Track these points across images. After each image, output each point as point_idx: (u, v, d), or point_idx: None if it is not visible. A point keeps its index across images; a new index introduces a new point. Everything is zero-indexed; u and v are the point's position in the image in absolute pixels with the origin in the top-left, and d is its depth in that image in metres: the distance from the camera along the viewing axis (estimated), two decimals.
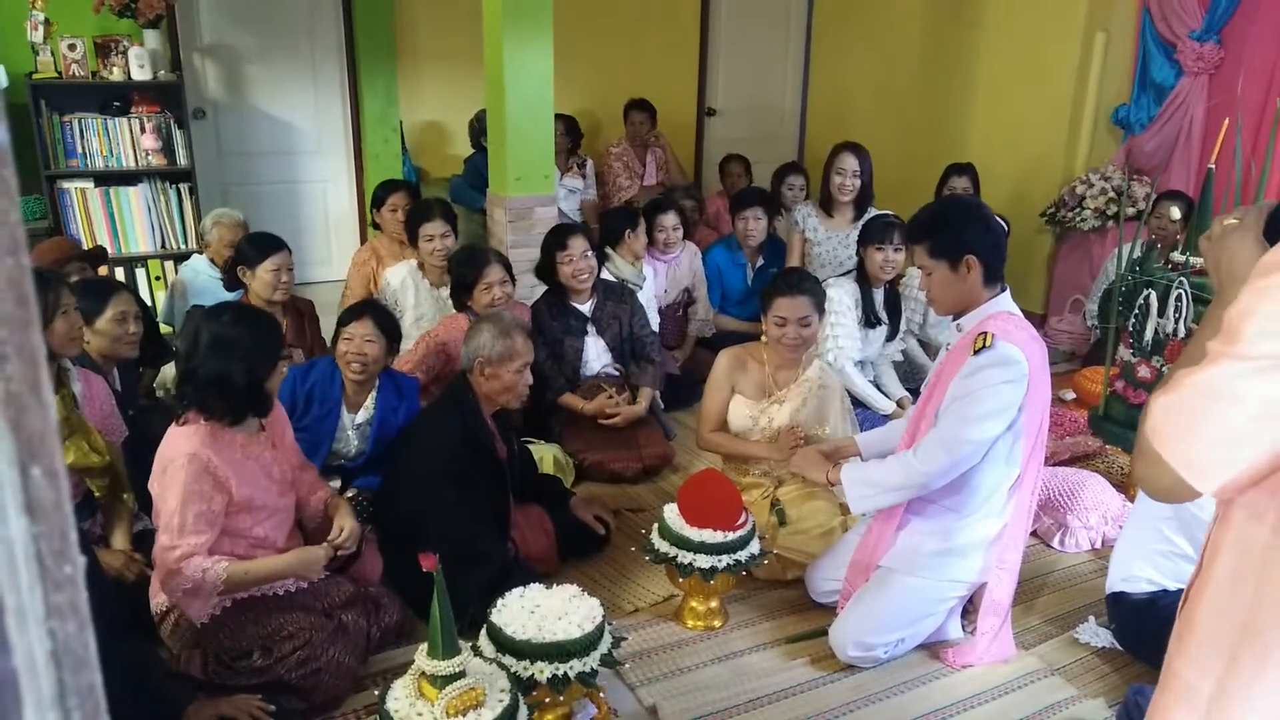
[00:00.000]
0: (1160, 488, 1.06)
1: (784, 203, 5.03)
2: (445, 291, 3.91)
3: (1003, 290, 2.33)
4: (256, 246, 3.46)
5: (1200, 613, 1.10)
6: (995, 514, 2.40)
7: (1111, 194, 4.92)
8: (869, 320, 3.80)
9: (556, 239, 3.73)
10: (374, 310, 3.06)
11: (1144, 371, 3.21)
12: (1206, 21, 4.68)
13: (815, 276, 3.08)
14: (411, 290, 3.88)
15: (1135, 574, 2.47)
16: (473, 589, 2.33)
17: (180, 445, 2.22)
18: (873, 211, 4.44)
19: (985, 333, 2.21)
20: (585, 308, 3.75)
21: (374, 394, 3.08)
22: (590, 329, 3.75)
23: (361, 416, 3.07)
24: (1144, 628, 2.40)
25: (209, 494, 2.20)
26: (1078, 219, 5.01)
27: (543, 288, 3.95)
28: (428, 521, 2.54)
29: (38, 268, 2.82)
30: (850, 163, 4.41)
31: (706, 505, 2.57)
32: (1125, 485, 3.41)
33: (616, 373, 3.79)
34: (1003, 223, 4.00)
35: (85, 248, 4.02)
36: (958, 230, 2.29)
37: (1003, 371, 2.17)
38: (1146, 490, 1.10)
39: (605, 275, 3.98)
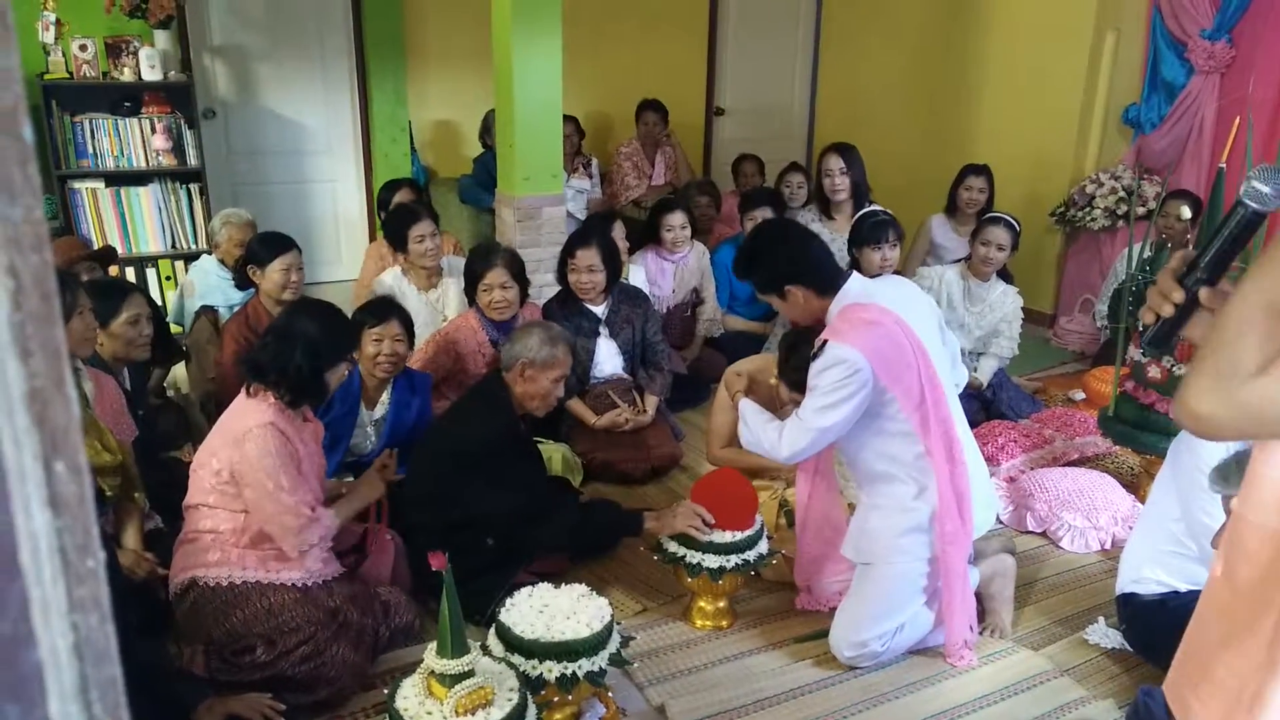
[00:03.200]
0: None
1: (785, 202, 5.02)
2: (434, 294, 3.91)
3: (845, 282, 2.40)
4: (267, 246, 3.47)
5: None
6: (927, 491, 2.40)
7: (1121, 193, 4.91)
8: None
9: (568, 246, 3.72)
10: (396, 309, 3.10)
11: (1154, 372, 3.20)
12: (1218, 20, 4.66)
13: None
14: (399, 297, 3.82)
15: (1146, 575, 2.46)
16: (558, 533, 2.59)
17: (255, 415, 2.32)
18: (878, 209, 4.43)
19: (823, 340, 2.34)
20: (599, 310, 3.75)
21: (389, 390, 3.12)
22: (603, 331, 3.75)
23: (379, 412, 3.12)
24: (1155, 629, 2.39)
25: (293, 458, 2.34)
26: (1087, 218, 5.00)
27: (549, 287, 3.96)
28: (487, 498, 2.56)
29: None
30: (835, 163, 4.41)
31: (719, 507, 2.58)
32: (1135, 485, 3.40)
33: (626, 378, 3.79)
34: (1013, 222, 4.01)
35: (94, 248, 4.04)
36: (767, 269, 2.46)
37: (836, 370, 2.28)
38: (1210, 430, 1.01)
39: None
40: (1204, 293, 1.10)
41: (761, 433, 2.49)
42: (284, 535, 2.31)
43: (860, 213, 4.10)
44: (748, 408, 2.58)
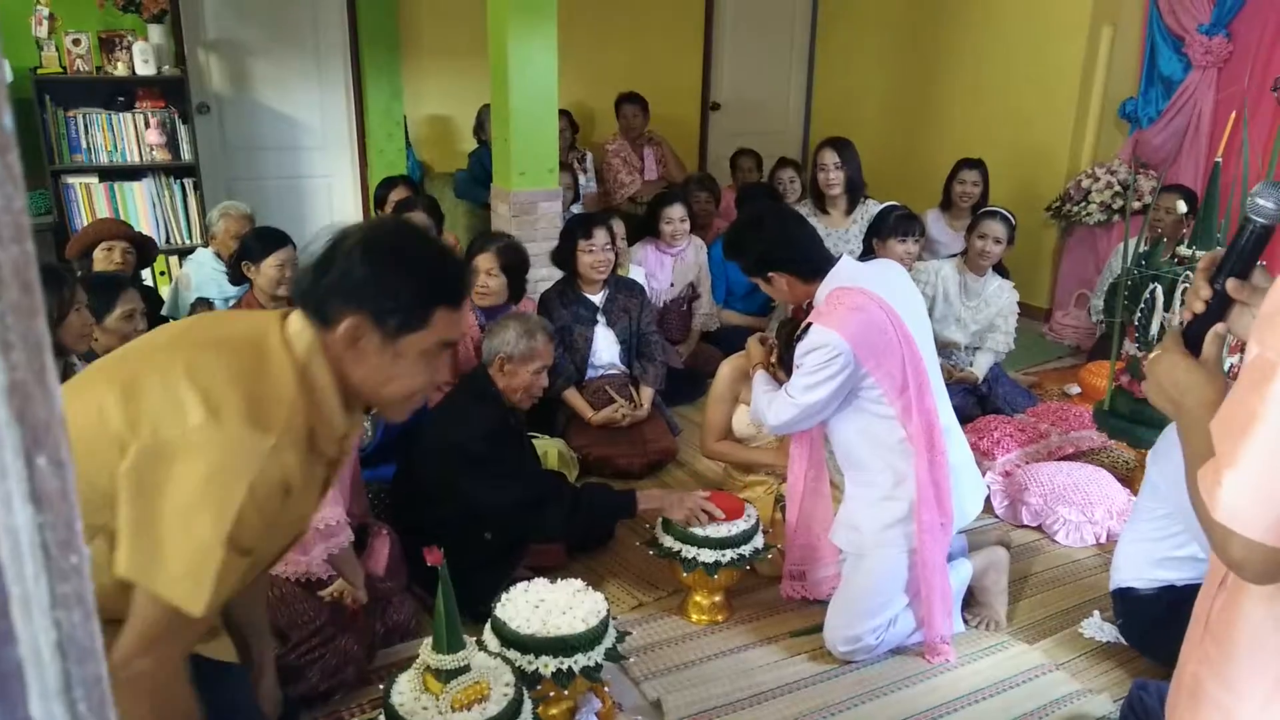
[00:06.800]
0: (1266, 572, 0.96)
1: (781, 197, 5.02)
2: None
3: (831, 267, 2.44)
4: (261, 242, 3.45)
5: (1235, 637, 1.07)
6: (905, 481, 2.40)
7: (1117, 188, 4.90)
8: None
9: (582, 226, 3.71)
10: None
11: None
12: (1215, 15, 4.65)
13: None
14: None
15: (1142, 572, 2.46)
16: (553, 523, 2.56)
17: None
18: (873, 204, 4.44)
19: (808, 323, 2.38)
20: (597, 298, 3.76)
21: None
22: (600, 319, 3.75)
23: None
24: (1151, 623, 2.40)
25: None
26: (1083, 213, 5.00)
27: (544, 281, 3.95)
28: (484, 491, 2.55)
29: (48, 264, 2.83)
30: (829, 157, 4.41)
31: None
32: (1130, 480, 3.40)
33: (623, 370, 3.79)
34: (1008, 216, 4.01)
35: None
36: (749, 257, 2.52)
37: (818, 354, 2.33)
38: (1249, 575, 0.98)
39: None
40: (1231, 283, 1.14)
41: (762, 400, 2.58)
42: None
43: (883, 206, 4.11)
44: (760, 377, 2.67)
